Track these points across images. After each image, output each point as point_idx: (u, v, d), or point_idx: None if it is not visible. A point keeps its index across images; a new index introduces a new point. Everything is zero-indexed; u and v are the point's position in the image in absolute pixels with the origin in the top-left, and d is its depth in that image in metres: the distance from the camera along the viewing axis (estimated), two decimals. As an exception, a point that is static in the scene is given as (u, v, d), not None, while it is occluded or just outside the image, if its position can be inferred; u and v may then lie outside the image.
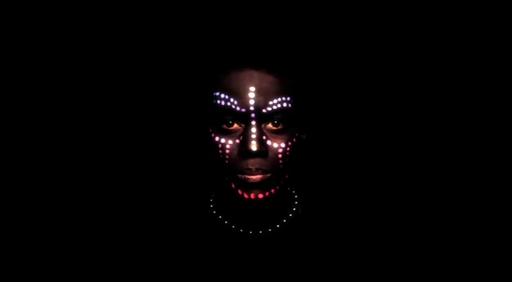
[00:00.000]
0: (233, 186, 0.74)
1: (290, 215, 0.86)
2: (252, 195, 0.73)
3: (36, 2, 1.02)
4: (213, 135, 0.74)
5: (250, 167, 0.72)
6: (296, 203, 0.88)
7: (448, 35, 1.05)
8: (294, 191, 0.90)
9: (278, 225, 0.84)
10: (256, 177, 0.72)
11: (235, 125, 0.73)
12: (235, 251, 0.82)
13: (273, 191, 0.75)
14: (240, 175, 0.73)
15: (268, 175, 0.73)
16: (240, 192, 0.74)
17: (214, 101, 0.72)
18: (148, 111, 1.08)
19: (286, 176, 0.78)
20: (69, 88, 1.08)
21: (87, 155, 1.10)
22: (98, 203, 1.06)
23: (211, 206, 0.87)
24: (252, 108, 0.70)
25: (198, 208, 0.88)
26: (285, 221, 0.84)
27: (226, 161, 0.73)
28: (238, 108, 0.71)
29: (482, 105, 1.07)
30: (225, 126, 0.73)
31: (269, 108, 0.71)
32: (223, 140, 0.73)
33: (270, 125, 0.73)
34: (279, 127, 0.73)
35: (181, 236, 0.84)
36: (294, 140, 0.75)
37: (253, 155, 0.71)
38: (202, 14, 0.88)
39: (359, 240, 0.83)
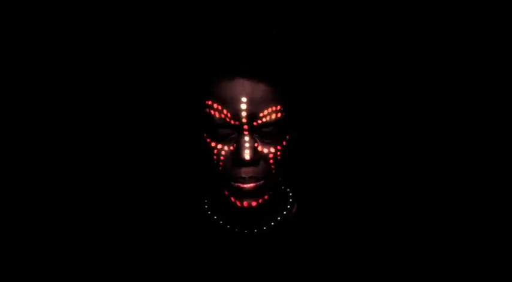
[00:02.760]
0: (226, 193, 0.75)
1: (284, 212, 0.86)
2: (245, 204, 0.74)
3: (35, 2, 1.00)
4: (208, 140, 0.74)
5: (243, 175, 0.72)
6: (291, 200, 0.89)
7: (442, 35, 1.04)
8: (288, 189, 0.90)
9: (273, 224, 0.85)
10: (249, 185, 0.73)
11: (229, 133, 0.72)
12: (230, 250, 0.83)
13: (266, 197, 0.76)
14: (233, 183, 0.73)
15: (261, 182, 0.74)
16: (233, 199, 0.74)
17: (208, 111, 0.72)
18: (144, 113, 1.07)
19: (279, 179, 0.79)
20: (66, 95, 1.07)
21: (83, 158, 1.10)
22: (94, 202, 1.06)
23: (206, 206, 0.88)
24: (244, 120, 0.70)
25: (193, 208, 0.89)
26: (279, 219, 0.85)
27: (220, 168, 0.74)
28: (232, 122, 0.70)
29: (474, 104, 1.07)
30: (218, 133, 0.72)
31: (260, 121, 0.71)
32: (219, 146, 0.73)
33: (261, 133, 0.73)
34: (270, 134, 0.73)
35: (177, 235, 0.85)
36: (284, 143, 0.75)
37: (246, 163, 0.71)
38: (194, 22, 0.85)
39: (354, 238, 0.84)
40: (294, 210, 0.88)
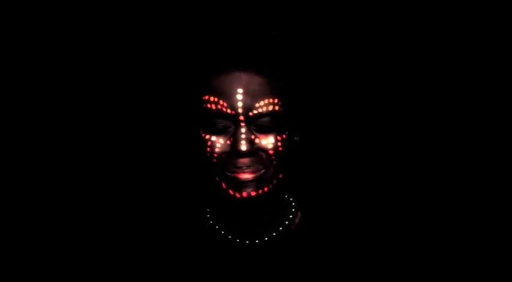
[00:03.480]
0: (224, 186, 0.74)
1: (286, 222, 0.85)
2: (245, 194, 0.73)
3: (35, 2, 1.05)
4: (203, 135, 0.75)
5: (240, 165, 0.72)
6: (293, 210, 0.87)
7: (441, 35, 1.06)
8: (291, 199, 0.89)
9: (274, 234, 0.83)
10: (249, 175, 0.73)
11: (225, 125, 0.73)
12: (232, 261, 0.81)
13: (266, 189, 0.75)
14: (230, 174, 0.73)
15: (262, 171, 0.74)
16: (231, 192, 0.74)
17: (205, 105, 0.74)
18: (143, 118, 1.09)
19: (280, 176, 0.78)
20: (64, 94, 1.10)
21: (79, 163, 1.10)
22: (95, 211, 1.06)
23: (208, 216, 0.87)
24: (240, 110, 0.72)
25: (195, 218, 0.88)
26: (281, 229, 0.83)
27: (214, 160, 0.74)
28: (229, 111, 0.72)
29: (474, 104, 1.07)
30: (215, 126, 0.74)
31: (255, 111, 0.72)
32: (213, 138, 0.74)
33: (259, 125, 0.74)
34: (268, 126, 0.74)
35: (179, 246, 0.84)
36: (284, 136, 0.75)
37: (243, 155, 0.72)
38: (190, 17, 0.90)
39: (359, 249, 0.81)
40: (296, 220, 0.86)
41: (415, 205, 1.04)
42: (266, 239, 0.82)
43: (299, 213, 0.88)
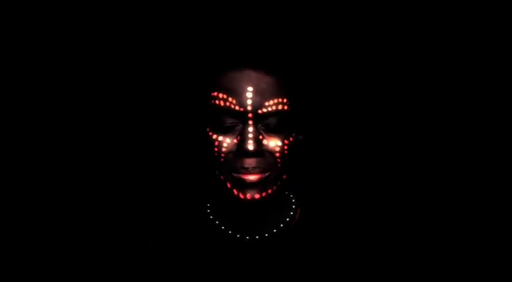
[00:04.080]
0: (229, 186, 0.74)
1: (287, 219, 0.85)
2: (248, 196, 0.73)
3: (36, 2, 1.04)
4: (210, 133, 0.74)
5: (246, 166, 0.72)
6: (293, 207, 0.87)
7: (443, 35, 1.06)
8: (291, 195, 0.89)
9: (275, 230, 0.83)
10: (254, 177, 0.72)
11: (233, 123, 0.73)
12: (232, 256, 0.81)
13: (270, 191, 0.75)
14: (235, 174, 0.73)
15: (267, 174, 0.73)
16: (235, 192, 0.73)
17: (213, 102, 0.73)
18: (147, 114, 1.08)
19: (284, 177, 0.77)
20: (69, 89, 1.09)
21: (83, 159, 1.09)
22: (95, 207, 1.05)
23: (208, 211, 0.87)
24: (249, 108, 0.71)
25: (196, 213, 0.87)
26: (282, 225, 0.84)
27: (222, 159, 0.73)
28: (237, 107, 0.71)
29: (474, 105, 1.08)
30: (222, 124, 0.73)
31: (264, 110, 0.71)
32: (220, 138, 0.73)
33: (266, 125, 0.73)
34: (275, 127, 0.73)
35: (179, 241, 0.83)
36: (291, 139, 0.75)
37: (249, 154, 0.71)
38: (202, 15, 0.89)
39: (357, 246, 0.82)
40: (297, 216, 0.87)
41: (412, 202, 1.05)
42: (266, 235, 0.82)
43: (299, 210, 0.88)
